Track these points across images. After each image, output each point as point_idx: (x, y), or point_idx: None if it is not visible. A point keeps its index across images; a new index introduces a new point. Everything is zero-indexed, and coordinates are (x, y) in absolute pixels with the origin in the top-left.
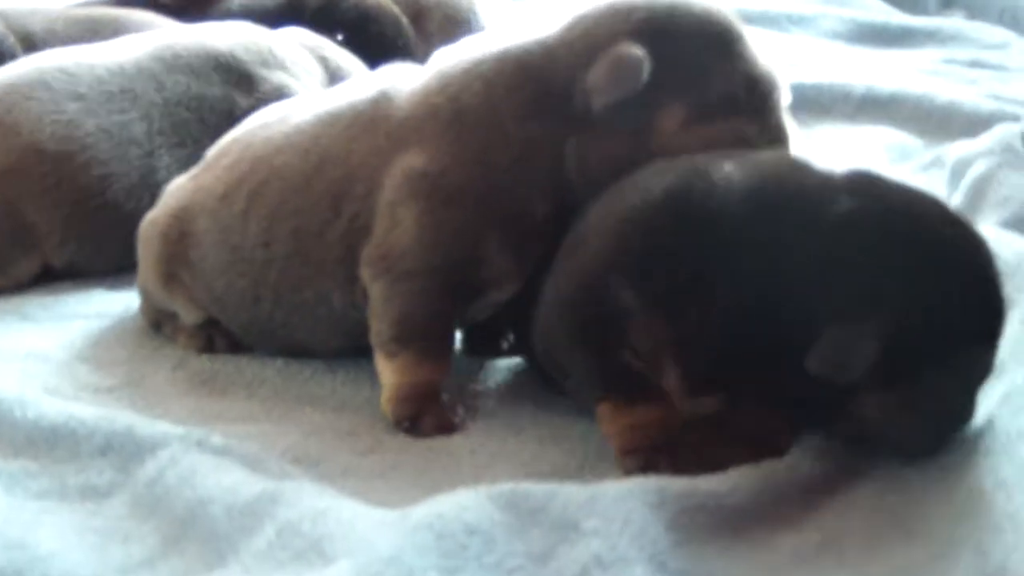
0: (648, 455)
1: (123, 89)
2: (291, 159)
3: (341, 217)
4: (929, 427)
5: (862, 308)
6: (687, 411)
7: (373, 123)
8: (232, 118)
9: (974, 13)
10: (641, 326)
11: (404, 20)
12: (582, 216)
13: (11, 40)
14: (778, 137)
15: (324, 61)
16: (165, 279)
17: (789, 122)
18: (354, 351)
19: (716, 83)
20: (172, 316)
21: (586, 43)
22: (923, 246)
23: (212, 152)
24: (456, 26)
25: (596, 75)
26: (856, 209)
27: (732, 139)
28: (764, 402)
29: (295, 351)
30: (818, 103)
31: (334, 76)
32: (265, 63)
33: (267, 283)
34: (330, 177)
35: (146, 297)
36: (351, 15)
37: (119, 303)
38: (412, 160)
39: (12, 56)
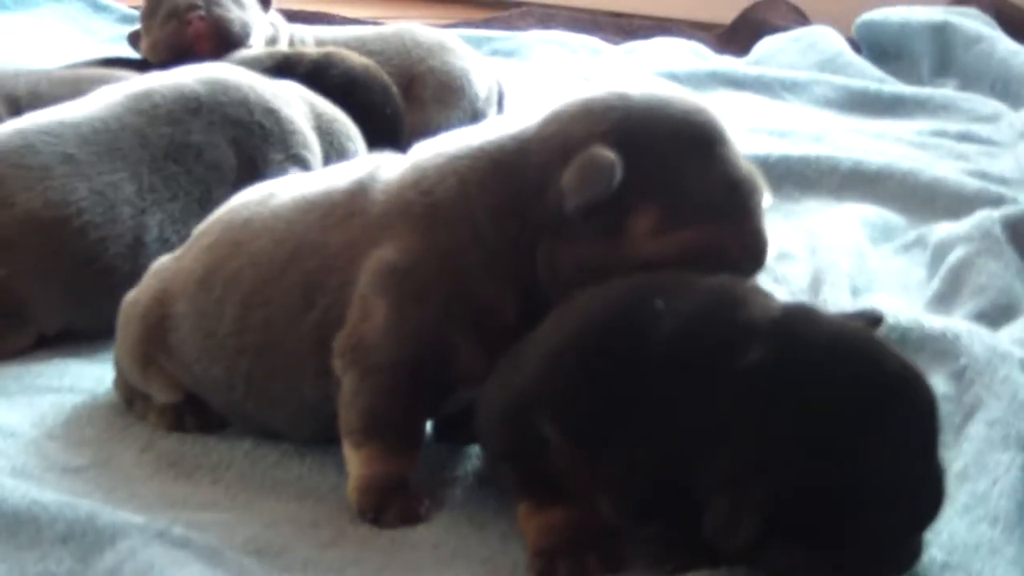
0: (551, 558)
1: (110, 148)
2: (266, 245)
3: (315, 309)
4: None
5: (745, 477)
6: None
7: (350, 214)
8: (219, 164)
9: (967, 83)
10: (561, 456)
11: (393, 88)
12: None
13: None
14: (755, 244)
15: (312, 108)
16: (143, 361)
17: (767, 228)
18: (327, 440)
19: (692, 187)
20: (144, 394)
21: (560, 142)
22: (817, 407)
23: (197, 231)
24: (451, 93)
25: (568, 177)
26: (760, 363)
27: (707, 245)
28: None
29: (272, 434)
30: (804, 176)
31: (322, 122)
32: (245, 103)
33: (239, 372)
34: (304, 268)
35: (120, 373)
36: (339, 80)
37: (92, 376)
38: (385, 253)
39: None
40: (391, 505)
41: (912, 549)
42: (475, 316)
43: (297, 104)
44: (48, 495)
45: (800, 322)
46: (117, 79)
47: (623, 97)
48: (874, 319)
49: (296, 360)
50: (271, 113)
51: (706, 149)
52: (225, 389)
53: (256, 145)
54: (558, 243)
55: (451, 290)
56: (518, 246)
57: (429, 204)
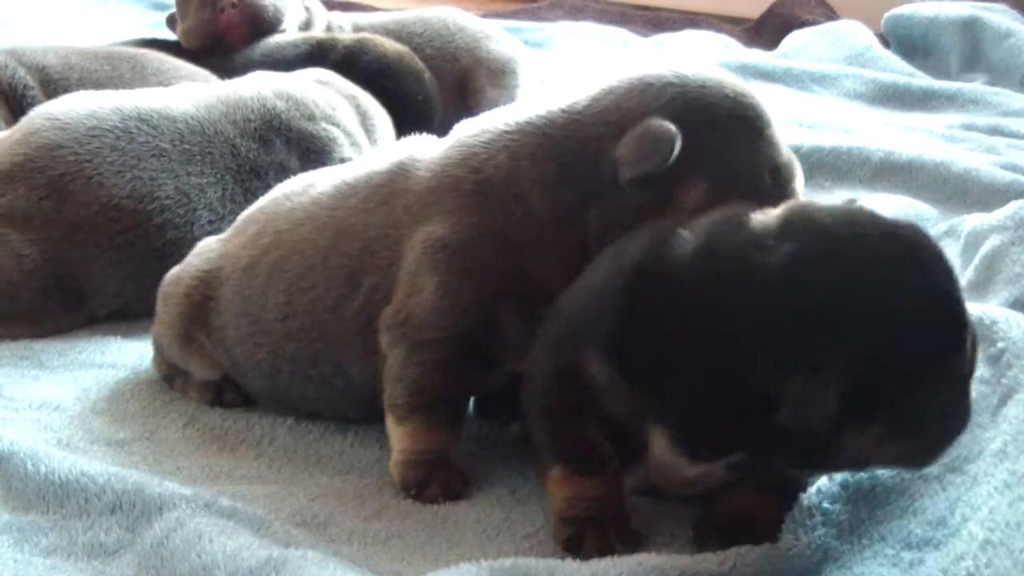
0: (578, 527)
1: (202, 151)
2: (309, 234)
3: (359, 291)
4: (920, 444)
5: (814, 358)
6: (691, 484)
7: (391, 195)
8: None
9: (996, 78)
10: (616, 396)
11: (427, 75)
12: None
13: (22, 73)
14: None
15: (356, 104)
16: (183, 339)
17: None
18: (369, 420)
19: (739, 166)
20: (184, 371)
21: (616, 115)
22: (863, 281)
23: (242, 217)
24: (503, 76)
25: (626, 147)
26: (791, 257)
27: None
28: (761, 460)
29: (310, 415)
30: (836, 167)
31: (364, 119)
32: (312, 117)
33: (285, 355)
34: (347, 251)
35: (159, 351)
36: (372, 68)
37: (134, 353)
38: (434, 230)
39: (26, 89)
40: (433, 480)
41: (968, 402)
42: (522, 291)
43: (345, 107)
44: (96, 466)
45: (806, 213)
46: (149, 60)
47: (679, 75)
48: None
49: (342, 342)
50: (334, 125)
51: (755, 131)
52: (269, 373)
53: (319, 155)
54: (608, 211)
55: (502, 267)
56: (567, 218)
57: (479, 180)
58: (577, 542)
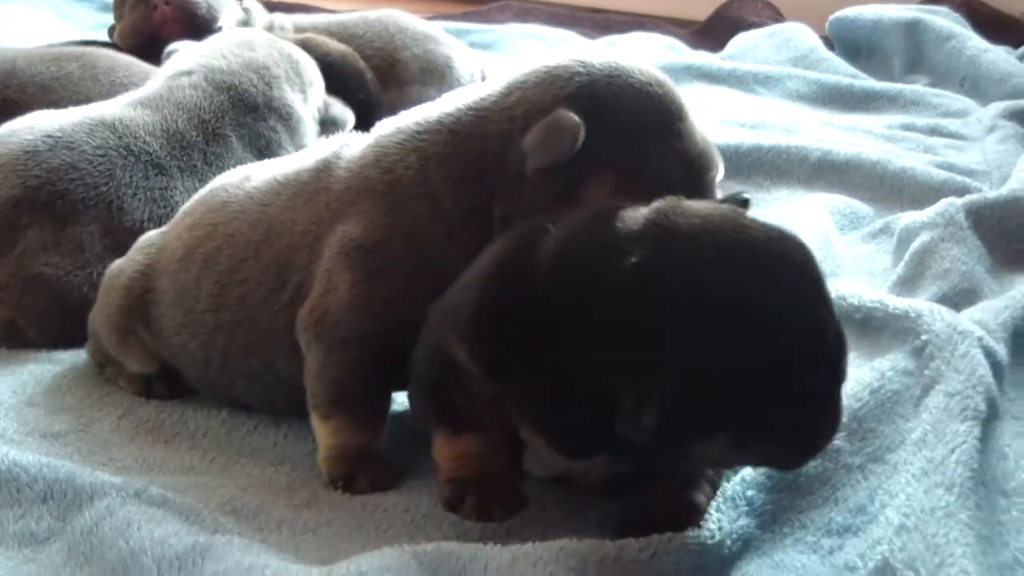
0: (461, 487)
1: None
2: (242, 226)
3: (287, 287)
4: (778, 452)
5: (642, 372)
6: (585, 475)
7: (316, 193)
8: None
9: (937, 79)
10: (479, 384)
11: (369, 75)
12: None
13: None
14: None
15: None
16: (121, 332)
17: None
18: (300, 414)
19: (649, 159)
20: (116, 360)
21: (523, 108)
22: (708, 294)
23: (182, 209)
24: (432, 75)
25: (531, 139)
26: (639, 264)
27: None
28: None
29: (245, 408)
30: (775, 166)
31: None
32: (282, 85)
33: (216, 347)
34: (276, 247)
35: (95, 339)
36: None
37: (71, 347)
38: (349, 230)
39: None
40: (361, 473)
41: (833, 411)
42: (437, 288)
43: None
44: (28, 457)
45: (669, 216)
46: (97, 58)
47: (586, 64)
48: (742, 201)
49: (271, 336)
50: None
51: (666, 123)
52: (202, 363)
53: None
54: (515, 205)
55: (415, 265)
56: (475, 214)
57: (390, 181)
58: (458, 503)
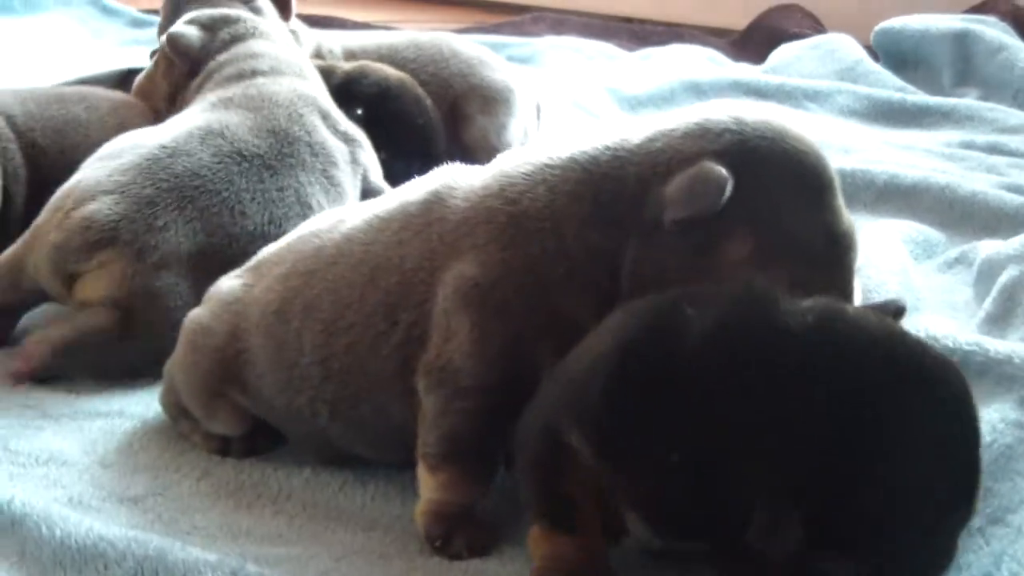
0: None
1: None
2: (343, 271)
3: (397, 327)
4: None
5: (787, 486)
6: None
7: (427, 225)
8: None
9: (989, 93)
10: (590, 470)
11: (427, 101)
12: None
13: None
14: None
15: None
16: (211, 394)
17: (856, 287)
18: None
19: (794, 228)
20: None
21: (668, 156)
22: (854, 413)
23: (264, 256)
24: (496, 105)
25: (675, 188)
26: (797, 369)
27: (793, 289)
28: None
29: (343, 460)
30: (840, 190)
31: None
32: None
33: (324, 399)
34: (383, 287)
35: (172, 392)
36: (371, 91)
37: (139, 402)
38: (464, 268)
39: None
40: (459, 533)
41: (948, 552)
42: (555, 328)
43: None
44: (113, 530)
45: (831, 322)
46: (97, 98)
47: (739, 120)
48: (897, 309)
49: (382, 381)
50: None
51: (815, 193)
52: (309, 418)
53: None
54: (647, 253)
55: (531, 303)
56: (599, 256)
57: (514, 213)
58: None
